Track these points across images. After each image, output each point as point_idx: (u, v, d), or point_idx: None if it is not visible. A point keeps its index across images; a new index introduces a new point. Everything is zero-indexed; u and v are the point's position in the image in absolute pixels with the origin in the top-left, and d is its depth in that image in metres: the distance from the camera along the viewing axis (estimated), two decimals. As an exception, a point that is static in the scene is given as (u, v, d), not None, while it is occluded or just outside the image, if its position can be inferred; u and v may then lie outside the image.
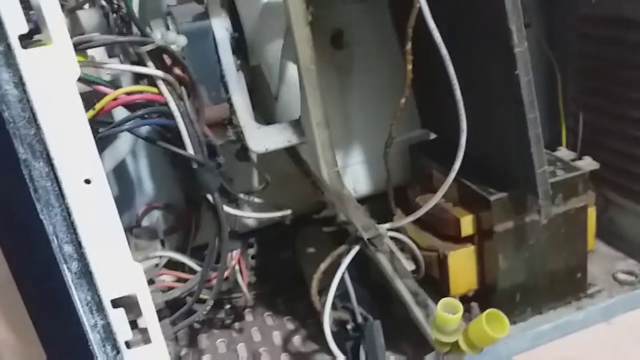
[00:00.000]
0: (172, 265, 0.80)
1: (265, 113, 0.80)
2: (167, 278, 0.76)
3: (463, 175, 0.70)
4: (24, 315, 0.56)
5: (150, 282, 0.73)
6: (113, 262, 0.53)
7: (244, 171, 0.89)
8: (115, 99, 0.57)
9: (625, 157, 0.88)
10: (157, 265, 0.79)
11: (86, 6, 0.67)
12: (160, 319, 0.57)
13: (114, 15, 0.65)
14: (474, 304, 0.77)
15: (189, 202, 0.86)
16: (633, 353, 0.79)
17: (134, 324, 0.56)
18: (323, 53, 0.66)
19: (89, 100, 0.54)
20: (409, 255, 0.78)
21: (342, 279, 0.72)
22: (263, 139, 0.72)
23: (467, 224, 0.79)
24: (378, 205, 0.90)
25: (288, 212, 0.80)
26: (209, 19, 0.67)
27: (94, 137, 0.50)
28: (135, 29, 0.58)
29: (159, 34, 0.58)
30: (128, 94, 0.58)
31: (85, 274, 0.53)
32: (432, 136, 0.97)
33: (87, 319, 0.54)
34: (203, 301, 0.72)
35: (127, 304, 0.55)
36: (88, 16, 0.66)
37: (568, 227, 0.79)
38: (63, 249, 0.52)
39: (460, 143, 0.64)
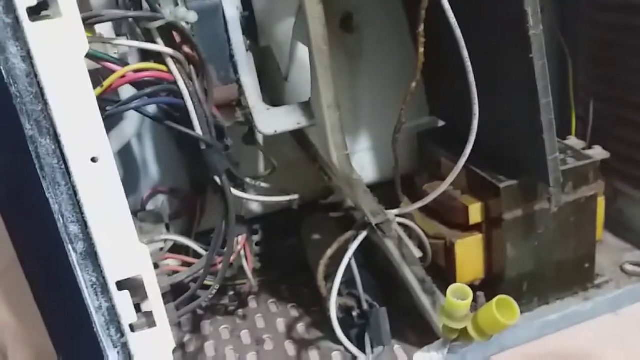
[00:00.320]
0: (176, 250, 0.80)
1: (273, 96, 0.79)
2: (172, 262, 0.76)
3: (472, 162, 0.69)
4: (28, 297, 0.55)
5: (155, 266, 0.73)
6: (119, 242, 0.52)
7: (250, 156, 0.88)
8: (123, 76, 0.56)
9: (636, 147, 0.87)
10: (162, 249, 0.79)
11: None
12: (164, 304, 0.56)
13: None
14: (481, 293, 0.77)
15: (194, 187, 0.86)
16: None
17: (138, 308, 0.56)
18: (332, 37, 0.65)
19: (95, 78, 0.53)
20: (416, 243, 0.77)
21: (349, 265, 0.72)
22: (272, 121, 0.72)
23: (475, 212, 0.78)
24: (384, 193, 0.89)
25: (296, 196, 0.79)
26: (219, -4, 0.65)
27: (102, 115, 0.49)
28: (145, 5, 0.57)
29: (168, 10, 0.57)
30: (136, 71, 0.57)
31: (91, 254, 0.52)
32: (440, 124, 0.96)
33: (91, 301, 0.53)
34: (207, 287, 0.71)
35: (132, 286, 0.54)
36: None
37: (577, 216, 0.78)
38: (69, 228, 0.51)
39: (472, 127, 0.63)
